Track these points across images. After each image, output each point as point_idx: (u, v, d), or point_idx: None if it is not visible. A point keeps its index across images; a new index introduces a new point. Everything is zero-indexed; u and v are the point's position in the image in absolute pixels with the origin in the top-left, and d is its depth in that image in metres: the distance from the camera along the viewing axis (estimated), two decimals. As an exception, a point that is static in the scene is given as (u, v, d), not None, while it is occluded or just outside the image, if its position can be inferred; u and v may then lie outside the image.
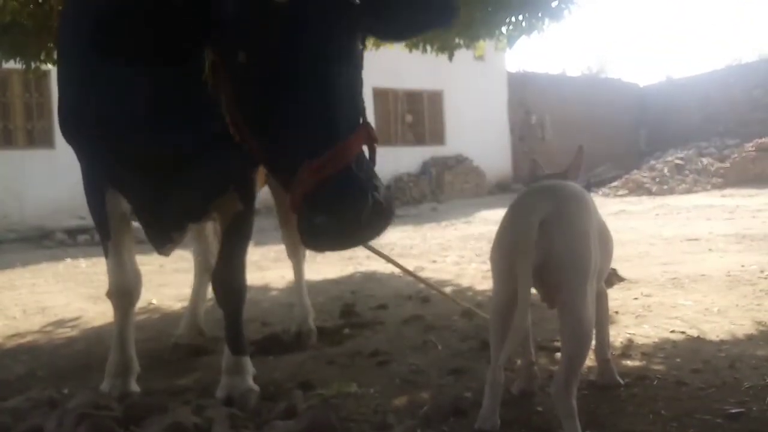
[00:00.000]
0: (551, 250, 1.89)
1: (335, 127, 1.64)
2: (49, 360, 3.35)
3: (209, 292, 3.66)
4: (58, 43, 2.76)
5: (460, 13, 1.90)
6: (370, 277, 5.37)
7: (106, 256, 2.64)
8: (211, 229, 3.48)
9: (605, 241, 2.18)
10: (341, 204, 1.57)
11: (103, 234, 2.60)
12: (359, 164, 1.64)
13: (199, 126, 1.99)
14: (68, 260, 7.96)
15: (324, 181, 1.57)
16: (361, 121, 1.78)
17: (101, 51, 1.77)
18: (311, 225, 1.63)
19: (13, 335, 4.01)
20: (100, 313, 4.43)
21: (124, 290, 2.64)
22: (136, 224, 2.61)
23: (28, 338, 3.92)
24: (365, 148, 1.76)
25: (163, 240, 2.65)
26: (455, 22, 1.96)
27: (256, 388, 2.55)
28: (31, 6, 4.49)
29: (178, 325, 3.61)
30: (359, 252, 7.31)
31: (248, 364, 2.64)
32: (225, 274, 2.62)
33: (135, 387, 2.65)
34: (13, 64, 5.09)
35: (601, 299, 2.39)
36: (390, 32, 2.06)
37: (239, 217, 2.56)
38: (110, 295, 2.68)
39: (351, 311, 4.02)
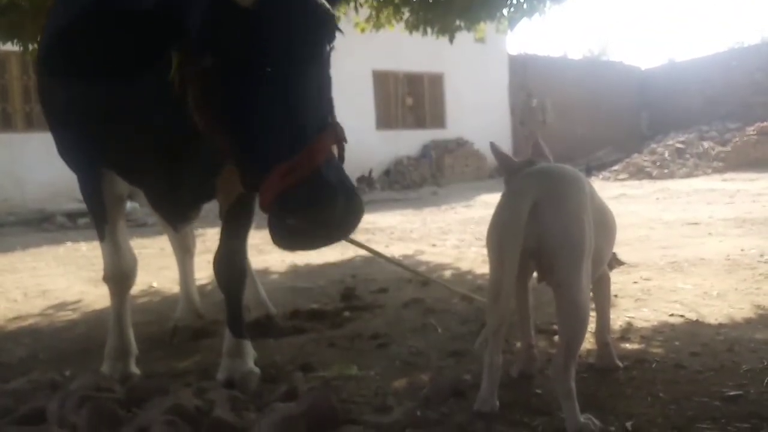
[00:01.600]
0: (544, 233, 1.89)
1: (302, 130, 1.64)
2: (50, 343, 3.37)
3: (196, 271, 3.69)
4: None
5: None
6: (371, 261, 5.37)
7: (101, 240, 2.64)
8: None
9: (606, 224, 2.18)
10: (311, 206, 1.58)
11: (98, 218, 2.60)
12: (328, 165, 1.64)
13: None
14: (69, 243, 7.96)
15: (293, 184, 1.58)
16: (330, 120, 1.79)
17: (66, 59, 1.77)
18: (282, 226, 1.64)
19: (15, 318, 4.03)
20: (100, 296, 4.44)
21: (120, 274, 2.65)
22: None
23: (30, 321, 3.94)
24: (334, 149, 1.76)
25: (181, 219, 2.70)
26: None
27: (256, 370, 2.56)
28: (29, -13, 4.46)
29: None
30: (359, 236, 7.31)
31: (249, 347, 2.65)
32: (226, 257, 2.62)
33: (135, 369, 2.67)
34: (10, 46, 5.06)
35: (603, 283, 2.40)
36: None
37: (240, 200, 2.56)
38: (107, 279, 2.69)
39: (351, 294, 4.03)
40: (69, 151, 2.56)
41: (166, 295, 4.56)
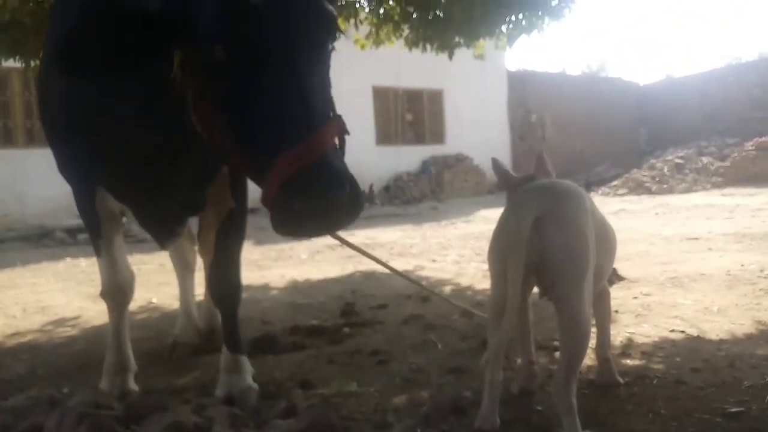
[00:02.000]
0: (546, 248, 1.89)
1: (312, 117, 1.69)
2: (49, 359, 3.36)
3: (196, 287, 3.68)
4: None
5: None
6: (370, 277, 5.37)
7: (98, 256, 2.64)
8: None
9: (607, 239, 2.18)
10: (320, 189, 1.61)
11: (94, 233, 2.60)
12: (335, 154, 1.70)
13: (180, 119, 2.01)
14: (68, 259, 7.96)
15: (302, 169, 1.61)
16: (333, 114, 1.84)
17: (76, 59, 1.80)
18: (286, 212, 1.65)
19: (14, 334, 4.02)
20: (100, 312, 4.42)
21: (117, 289, 2.64)
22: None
23: (29, 337, 3.93)
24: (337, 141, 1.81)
25: (166, 235, 2.67)
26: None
27: (255, 386, 2.55)
28: (31, 4, 4.49)
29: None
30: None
31: (246, 363, 2.65)
32: (220, 272, 2.61)
33: (134, 385, 2.66)
34: (12, 63, 5.09)
35: (604, 298, 2.40)
36: None
37: (232, 214, 2.57)
38: (104, 294, 2.68)
39: (351, 310, 4.02)
40: (65, 167, 2.57)
41: (165, 311, 4.55)
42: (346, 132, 1.83)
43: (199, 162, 2.27)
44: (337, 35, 1.85)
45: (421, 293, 4.29)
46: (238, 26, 1.67)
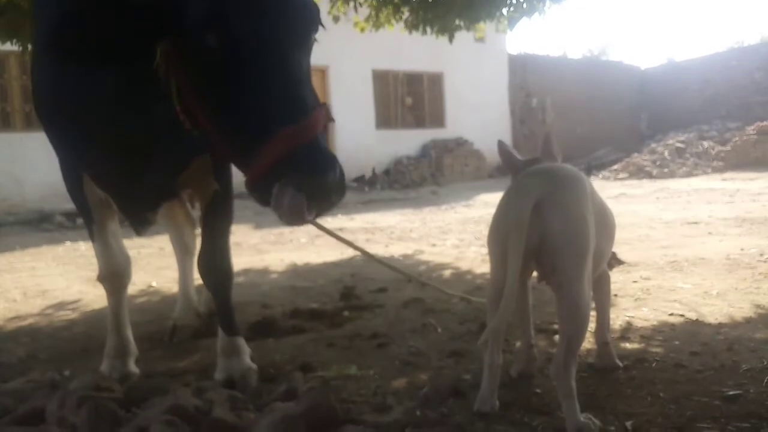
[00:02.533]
0: (546, 232, 1.88)
1: (305, 100, 1.75)
2: (49, 342, 3.36)
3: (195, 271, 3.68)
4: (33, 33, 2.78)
5: None
6: (369, 261, 5.37)
7: (92, 240, 2.65)
8: (183, 212, 3.49)
9: (606, 223, 2.18)
10: (315, 166, 1.66)
11: (86, 218, 2.61)
12: (323, 138, 1.75)
13: (156, 107, 2.02)
14: (68, 243, 7.96)
15: (297, 147, 1.66)
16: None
17: (65, 44, 1.82)
18: (280, 193, 1.68)
19: (14, 318, 4.02)
20: (99, 295, 4.43)
21: (113, 273, 2.65)
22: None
23: (29, 321, 3.94)
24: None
25: (140, 220, 2.67)
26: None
27: (254, 366, 2.57)
28: (28, -13, 4.45)
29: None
30: (359, 235, 7.33)
31: (243, 344, 2.65)
32: (209, 256, 2.61)
33: (134, 368, 2.67)
34: (10, 46, 5.06)
35: (603, 282, 2.40)
36: None
37: (217, 198, 2.57)
38: (101, 278, 2.69)
39: (351, 294, 4.03)
40: (56, 151, 2.57)
41: (165, 294, 4.56)
42: (332, 119, 1.88)
43: (172, 150, 2.27)
44: (319, 27, 1.90)
45: (420, 278, 4.29)
46: (233, 14, 1.70)
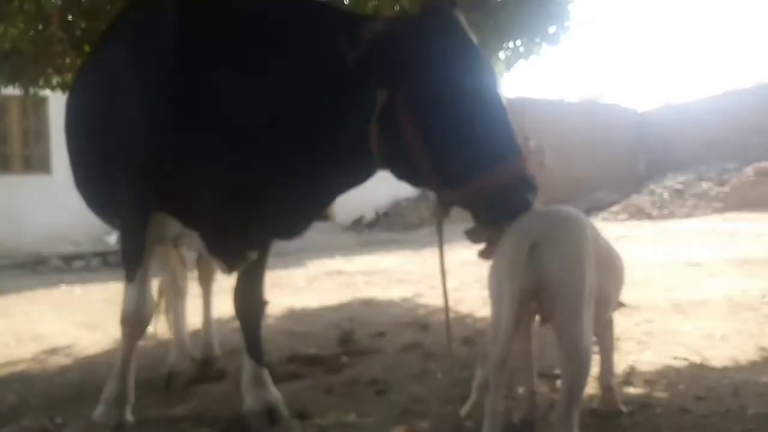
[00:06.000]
0: (543, 274, 1.86)
1: (515, 141, 2.14)
2: (42, 388, 3.30)
3: (189, 316, 3.63)
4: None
5: None
6: (368, 304, 5.32)
7: (129, 282, 2.61)
8: (175, 254, 3.45)
9: (614, 266, 2.15)
10: (525, 196, 1.99)
11: (132, 261, 2.58)
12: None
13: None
14: (63, 286, 7.90)
15: (514, 179, 1.99)
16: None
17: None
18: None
19: (6, 363, 3.96)
20: (93, 340, 4.38)
21: (140, 319, 2.63)
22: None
23: (22, 366, 3.87)
24: None
25: (238, 260, 2.66)
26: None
27: (280, 396, 2.62)
28: (31, 33, 4.52)
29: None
30: (358, 278, 7.28)
31: (268, 375, 2.69)
32: (249, 290, 2.71)
33: (130, 417, 2.61)
34: (11, 90, 5.11)
35: (607, 326, 2.36)
36: None
37: None
38: (124, 321, 2.65)
39: (349, 339, 3.97)
40: (101, 194, 2.61)
41: (160, 339, 4.49)
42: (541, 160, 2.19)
43: (340, 186, 2.47)
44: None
45: (420, 321, 4.25)
46: (459, 69, 2.04)
